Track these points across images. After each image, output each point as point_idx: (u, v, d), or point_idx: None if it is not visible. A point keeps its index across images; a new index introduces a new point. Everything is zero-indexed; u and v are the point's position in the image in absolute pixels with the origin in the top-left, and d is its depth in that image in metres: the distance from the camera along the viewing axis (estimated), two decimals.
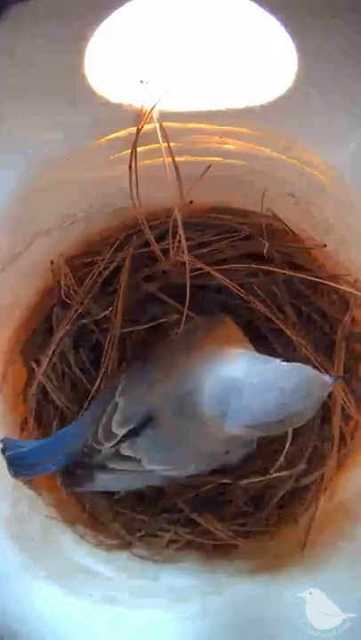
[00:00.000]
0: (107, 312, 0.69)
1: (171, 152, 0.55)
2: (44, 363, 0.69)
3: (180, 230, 0.60)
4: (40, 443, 0.63)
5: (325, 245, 0.66)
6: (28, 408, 0.71)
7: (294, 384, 0.47)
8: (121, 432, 0.58)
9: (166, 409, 0.57)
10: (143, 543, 0.70)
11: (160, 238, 0.66)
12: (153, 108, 0.53)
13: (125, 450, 0.58)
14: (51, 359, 0.69)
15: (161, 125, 0.54)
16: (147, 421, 0.58)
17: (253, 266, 0.67)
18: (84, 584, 0.62)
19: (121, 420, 0.58)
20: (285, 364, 0.49)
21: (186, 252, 0.61)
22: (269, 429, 0.52)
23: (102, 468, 0.61)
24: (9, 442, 0.62)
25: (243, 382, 0.49)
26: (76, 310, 0.69)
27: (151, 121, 0.54)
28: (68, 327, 0.69)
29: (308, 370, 0.49)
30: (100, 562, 0.67)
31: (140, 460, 0.59)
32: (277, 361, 0.50)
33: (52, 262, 0.67)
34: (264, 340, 0.70)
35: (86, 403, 0.70)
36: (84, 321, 0.70)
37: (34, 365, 0.70)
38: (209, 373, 0.53)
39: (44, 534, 0.66)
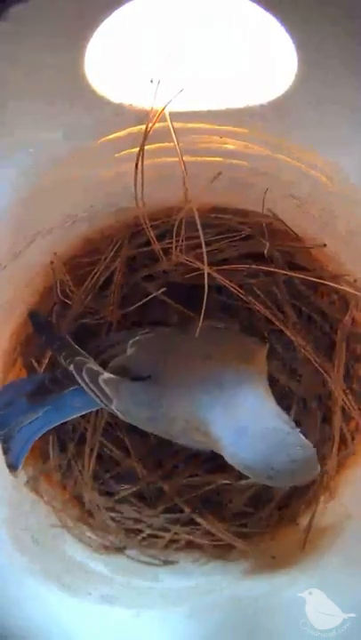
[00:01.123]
0: (106, 312, 0.69)
1: (180, 153, 0.55)
2: (44, 363, 0.69)
3: (183, 230, 0.61)
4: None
5: (325, 245, 0.66)
6: None
7: (283, 464, 0.50)
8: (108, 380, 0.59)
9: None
10: (143, 543, 0.70)
11: (161, 238, 0.66)
12: (164, 108, 0.53)
13: (104, 383, 0.59)
14: (50, 359, 0.69)
15: (172, 125, 0.54)
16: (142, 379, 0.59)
17: (253, 266, 0.67)
18: (83, 584, 0.62)
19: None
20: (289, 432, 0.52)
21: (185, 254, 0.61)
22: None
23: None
24: None
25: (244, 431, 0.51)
26: (76, 310, 0.69)
27: (158, 121, 0.54)
28: (67, 327, 0.69)
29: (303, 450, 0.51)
30: (100, 562, 0.67)
31: (109, 399, 0.59)
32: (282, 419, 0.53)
33: (51, 262, 0.67)
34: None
35: None
36: (85, 321, 0.70)
37: (35, 365, 0.70)
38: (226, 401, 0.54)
39: (44, 535, 0.66)
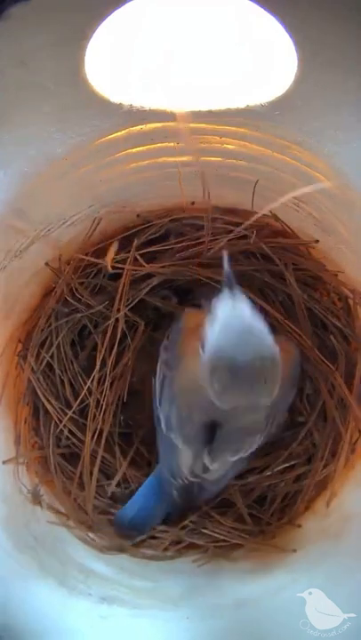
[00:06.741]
0: (108, 312, 0.69)
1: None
2: (40, 364, 0.69)
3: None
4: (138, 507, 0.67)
5: (317, 241, 0.66)
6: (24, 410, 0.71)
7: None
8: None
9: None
10: (144, 544, 0.70)
11: (161, 238, 0.67)
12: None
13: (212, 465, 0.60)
14: (43, 359, 0.70)
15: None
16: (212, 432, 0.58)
17: (253, 265, 0.67)
18: (83, 584, 0.62)
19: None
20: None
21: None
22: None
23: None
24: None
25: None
26: (76, 310, 0.69)
27: (159, 121, 0.55)
28: (66, 327, 0.69)
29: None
30: (101, 562, 0.67)
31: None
32: None
33: (46, 264, 0.67)
34: None
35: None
36: (84, 322, 0.70)
37: (33, 365, 0.70)
38: None
39: (44, 534, 0.66)
